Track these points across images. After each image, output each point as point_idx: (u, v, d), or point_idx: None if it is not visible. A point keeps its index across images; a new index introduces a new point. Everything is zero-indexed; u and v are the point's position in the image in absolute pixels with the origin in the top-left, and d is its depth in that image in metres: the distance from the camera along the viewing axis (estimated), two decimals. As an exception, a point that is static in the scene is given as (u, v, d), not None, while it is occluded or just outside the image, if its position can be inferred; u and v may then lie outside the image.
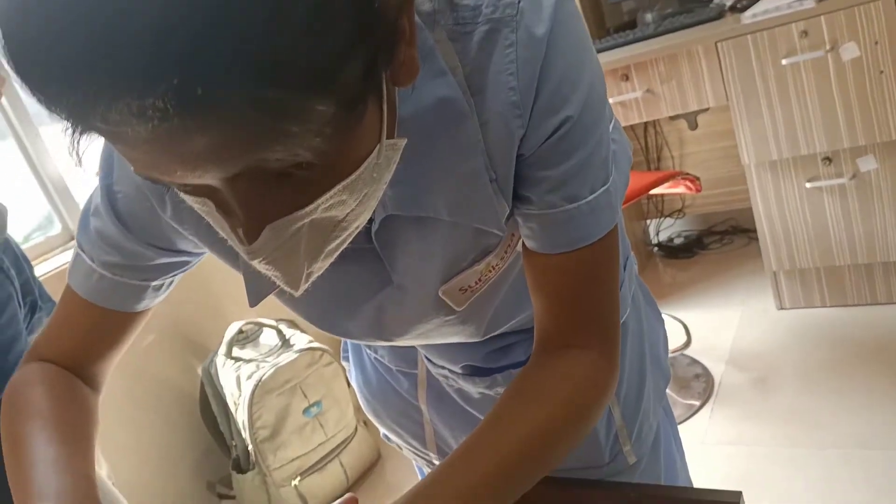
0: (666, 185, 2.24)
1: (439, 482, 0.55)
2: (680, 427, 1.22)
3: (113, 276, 0.67)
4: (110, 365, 0.75)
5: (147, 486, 2.08)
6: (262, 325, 2.38)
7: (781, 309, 2.55)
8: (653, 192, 2.22)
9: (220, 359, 2.25)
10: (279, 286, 0.51)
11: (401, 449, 1.05)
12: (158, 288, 0.72)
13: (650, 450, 0.89)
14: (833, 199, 2.29)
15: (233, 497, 2.28)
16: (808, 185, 2.28)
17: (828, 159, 2.25)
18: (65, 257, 2.10)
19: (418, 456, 1.02)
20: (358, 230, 0.50)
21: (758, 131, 2.28)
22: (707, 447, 2.06)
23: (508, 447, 0.58)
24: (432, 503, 0.53)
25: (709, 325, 2.60)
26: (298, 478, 2.23)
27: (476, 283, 0.70)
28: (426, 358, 0.89)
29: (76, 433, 0.66)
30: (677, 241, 3.32)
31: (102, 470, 1.27)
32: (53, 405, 0.66)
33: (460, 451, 0.58)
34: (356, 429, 2.40)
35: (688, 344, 2.40)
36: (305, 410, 2.25)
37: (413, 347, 0.89)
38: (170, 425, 2.23)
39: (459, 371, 0.85)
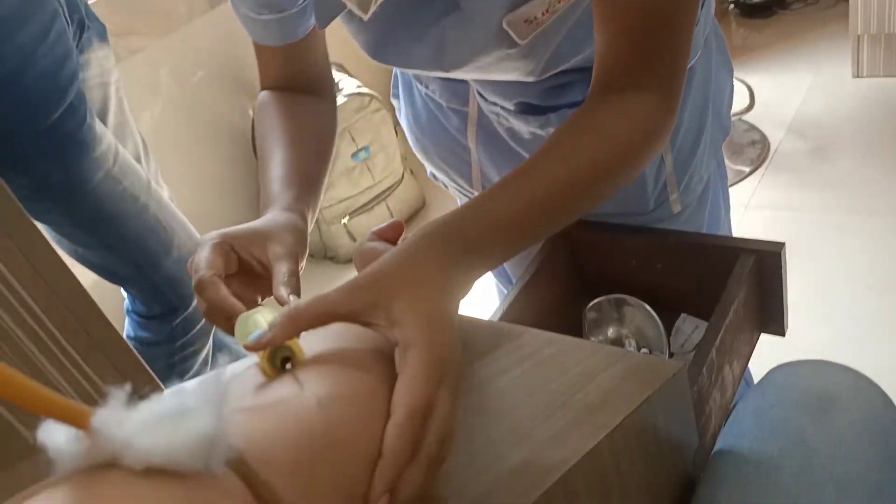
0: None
1: (480, 207, 0.55)
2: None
3: (259, 16, 0.72)
4: (327, 73, 0.84)
5: (205, 215, 2.21)
6: (310, 67, 2.34)
7: (857, 77, 2.38)
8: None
9: (270, 98, 2.25)
10: (348, 7, 0.52)
11: (447, 188, 1.07)
12: (302, 12, 0.74)
13: (696, 201, 0.89)
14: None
15: (287, 231, 2.42)
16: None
17: None
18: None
19: (464, 195, 1.04)
20: None
21: None
22: (751, 211, 2.06)
23: (556, 175, 0.57)
24: (471, 226, 0.52)
25: (775, 90, 2.47)
26: (347, 217, 2.34)
27: (542, 15, 0.65)
28: (479, 94, 0.86)
29: (290, 150, 0.74)
30: (757, -2, 3.04)
31: (164, 191, 1.34)
32: (279, 125, 0.76)
33: (507, 177, 0.57)
34: (403, 175, 2.45)
35: (750, 108, 2.30)
36: (354, 155, 2.30)
37: (465, 83, 0.86)
38: (225, 160, 2.30)
39: (512, 108, 0.83)
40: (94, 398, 0.56)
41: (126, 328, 1.36)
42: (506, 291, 1.01)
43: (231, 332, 0.54)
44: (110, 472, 0.26)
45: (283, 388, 0.39)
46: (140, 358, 0.58)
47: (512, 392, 0.57)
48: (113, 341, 0.56)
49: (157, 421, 0.26)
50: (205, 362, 1.43)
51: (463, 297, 0.50)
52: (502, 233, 0.53)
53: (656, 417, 0.57)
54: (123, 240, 1.24)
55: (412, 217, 2.52)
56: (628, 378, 0.58)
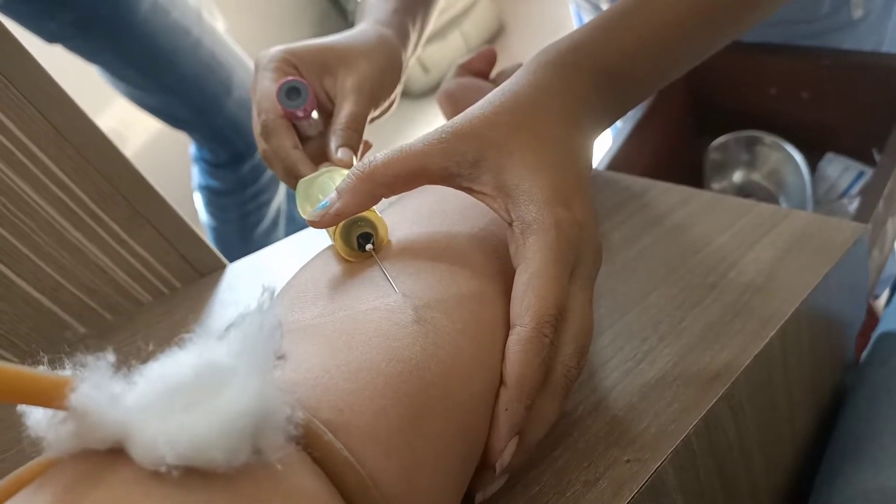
0: None
1: (615, 23, 0.38)
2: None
3: None
4: None
5: (263, 44, 2.07)
6: None
7: None
8: None
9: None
10: None
11: None
12: None
13: (883, 2, 0.69)
14: None
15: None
16: None
17: None
18: None
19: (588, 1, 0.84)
20: None
21: None
22: None
23: None
24: (605, 50, 0.37)
25: None
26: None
27: None
28: None
29: None
30: None
31: (218, 23, 1.21)
32: None
33: None
34: (478, -4, 2.21)
35: None
36: (424, -26, 2.07)
37: None
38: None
39: None
40: (147, 277, 0.48)
41: (194, 177, 1.29)
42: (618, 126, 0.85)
43: (294, 186, 0.43)
44: (111, 473, 0.16)
45: (365, 290, 0.28)
46: (193, 228, 0.49)
47: (644, 269, 0.45)
48: (160, 210, 0.47)
49: (173, 394, 0.16)
50: (279, 212, 1.37)
51: (593, 145, 0.37)
52: (647, 57, 0.37)
53: (830, 297, 0.45)
54: (180, 79, 1.13)
55: (488, 44, 2.31)
56: (796, 247, 0.45)
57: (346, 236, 0.32)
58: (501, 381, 0.27)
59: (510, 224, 0.30)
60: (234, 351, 0.18)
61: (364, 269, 0.31)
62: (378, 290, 0.28)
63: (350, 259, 0.32)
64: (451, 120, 0.33)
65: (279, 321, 0.18)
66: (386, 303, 0.27)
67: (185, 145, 1.30)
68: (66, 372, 0.17)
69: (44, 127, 0.41)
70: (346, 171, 0.40)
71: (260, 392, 0.17)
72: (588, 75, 0.35)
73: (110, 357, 0.17)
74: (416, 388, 0.23)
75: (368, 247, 0.31)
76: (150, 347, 0.19)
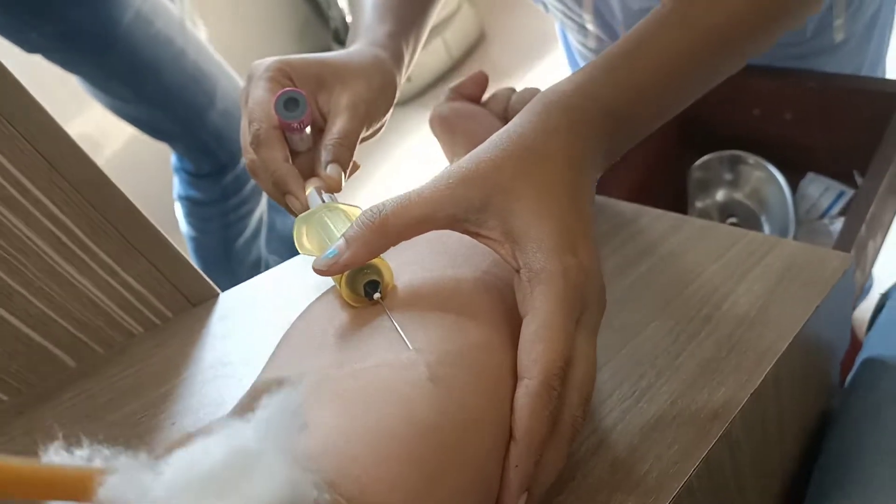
0: None
1: (618, 62, 0.38)
2: None
3: None
4: None
5: (246, 52, 2.05)
6: None
7: None
8: None
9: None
10: None
11: (546, 9, 0.87)
12: None
13: (863, 28, 0.70)
14: None
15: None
16: None
17: None
18: None
19: (568, 17, 0.85)
20: None
21: None
22: None
23: (724, 8, 0.40)
24: (608, 92, 0.36)
25: None
26: (400, 53, 2.15)
27: None
28: None
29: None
30: None
31: (201, 32, 1.20)
32: None
33: (649, 21, 0.41)
34: (459, 5, 2.21)
35: None
36: (405, -20, 2.06)
37: None
38: (265, -8, 2.10)
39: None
40: (137, 307, 0.47)
41: (175, 188, 1.28)
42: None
43: (280, 200, 0.43)
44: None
45: (375, 342, 0.28)
46: (185, 255, 0.48)
47: (640, 299, 0.46)
48: (151, 240, 0.46)
49: (204, 483, 0.16)
50: (260, 222, 1.35)
51: (595, 185, 0.37)
52: (650, 97, 0.38)
53: (820, 327, 0.46)
54: (163, 91, 1.12)
55: (470, 51, 2.31)
56: (787, 278, 0.46)
57: (352, 283, 0.32)
58: (511, 435, 0.27)
59: (517, 270, 0.30)
60: (261, 435, 0.17)
61: (372, 317, 0.30)
62: (389, 343, 0.28)
63: (355, 305, 0.32)
64: (458, 163, 0.33)
65: (301, 403, 0.18)
66: (399, 359, 0.27)
67: (161, 150, 1.29)
68: (95, 462, 0.17)
69: (35, 160, 0.40)
70: (342, 207, 0.39)
71: (288, 478, 0.17)
72: (592, 117, 0.35)
73: (140, 453, 0.17)
74: (432, 451, 0.23)
75: (376, 296, 0.31)
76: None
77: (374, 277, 0.32)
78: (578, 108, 0.35)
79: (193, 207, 1.26)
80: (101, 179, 0.44)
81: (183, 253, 0.49)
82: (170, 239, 0.48)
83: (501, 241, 0.31)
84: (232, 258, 1.31)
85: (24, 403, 0.43)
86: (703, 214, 0.86)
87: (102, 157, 2.07)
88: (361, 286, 0.32)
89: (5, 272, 0.41)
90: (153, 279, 0.47)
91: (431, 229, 0.32)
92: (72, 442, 0.18)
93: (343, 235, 0.32)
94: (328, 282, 0.51)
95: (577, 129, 0.34)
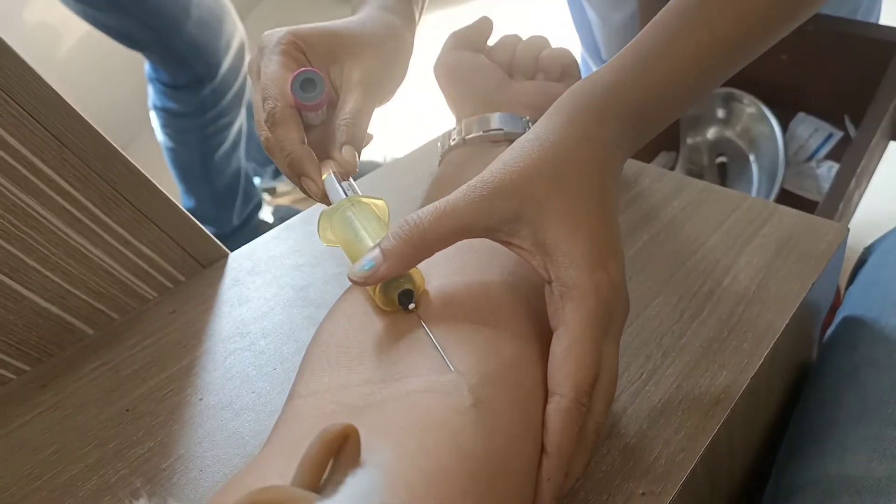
0: None
1: (644, 57, 0.37)
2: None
3: None
4: None
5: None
6: None
7: None
8: None
9: None
10: None
11: None
12: None
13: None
14: None
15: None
16: None
17: None
18: None
19: None
20: None
21: None
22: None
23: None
24: (635, 89, 0.36)
25: None
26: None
27: None
28: None
29: None
30: None
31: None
32: None
33: (668, 13, 0.39)
34: None
35: None
36: None
37: None
38: None
39: None
40: (150, 273, 0.47)
41: (150, 97, 1.23)
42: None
43: (296, 181, 0.42)
44: None
45: (413, 358, 0.30)
46: (199, 223, 0.48)
47: (644, 272, 0.47)
48: (162, 207, 0.46)
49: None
50: (240, 133, 1.32)
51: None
52: (676, 93, 0.37)
53: (813, 295, 0.48)
54: (135, -2, 1.06)
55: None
56: (784, 250, 0.48)
57: (385, 289, 0.33)
58: (543, 449, 0.29)
59: (548, 282, 0.31)
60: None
61: (408, 327, 0.32)
62: (428, 361, 0.29)
63: (387, 309, 0.33)
64: (490, 170, 0.33)
65: (383, 489, 0.20)
66: (442, 383, 0.28)
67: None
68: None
69: (45, 138, 0.39)
70: (366, 201, 0.39)
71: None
72: (620, 120, 0.35)
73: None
74: (481, 484, 0.25)
75: (411, 306, 0.32)
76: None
77: (409, 286, 0.32)
78: (609, 112, 0.35)
79: (170, 119, 1.22)
80: (111, 152, 0.43)
81: (193, 218, 0.49)
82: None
83: (533, 251, 0.32)
84: (211, 170, 1.28)
85: (45, 375, 0.43)
86: (694, 151, 0.87)
87: (62, 49, 1.97)
88: (395, 294, 0.32)
89: (23, 252, 0.40)
90: (164, 245, 0.47)
91: (465, 238, 0.33)
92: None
93: (379, 246, 0.32)
94: (331, 251, 0.52)
95: (608, 136, 0.35)
